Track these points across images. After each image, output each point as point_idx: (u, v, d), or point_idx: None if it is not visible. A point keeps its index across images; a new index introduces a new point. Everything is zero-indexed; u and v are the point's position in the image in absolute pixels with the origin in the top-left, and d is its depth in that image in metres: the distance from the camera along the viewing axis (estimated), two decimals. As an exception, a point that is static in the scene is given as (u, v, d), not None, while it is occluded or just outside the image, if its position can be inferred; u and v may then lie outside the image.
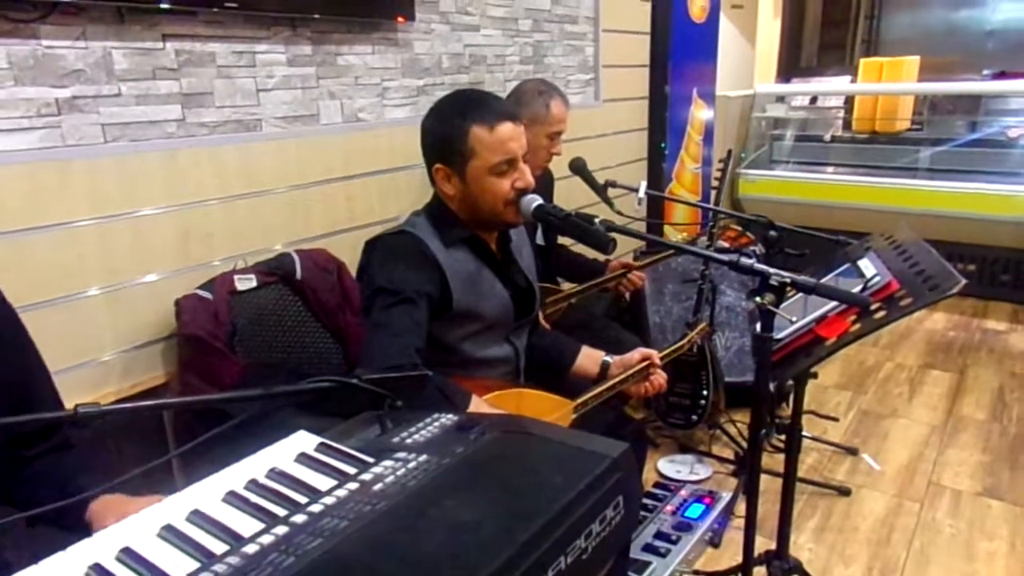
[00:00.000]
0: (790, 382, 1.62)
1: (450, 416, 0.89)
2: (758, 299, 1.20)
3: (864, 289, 1.37)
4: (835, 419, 2.88)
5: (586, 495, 0.70)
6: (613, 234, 1.36)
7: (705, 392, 2.56)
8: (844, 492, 2.40)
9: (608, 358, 1.69)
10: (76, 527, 0.96)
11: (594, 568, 0.70)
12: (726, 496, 2.31)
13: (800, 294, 1.39)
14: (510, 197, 1.43)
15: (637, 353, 1.64)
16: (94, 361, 1.64)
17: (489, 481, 0.74)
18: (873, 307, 1.28)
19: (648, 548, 2.04)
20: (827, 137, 4.92)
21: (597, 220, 1.34)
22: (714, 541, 2.15)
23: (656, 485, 2.42)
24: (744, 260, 1.22)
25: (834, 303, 1.35)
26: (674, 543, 2.06)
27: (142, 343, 1.72)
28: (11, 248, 1.47)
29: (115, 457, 1.59)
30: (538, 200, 1.42)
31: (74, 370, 1.60)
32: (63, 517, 0.92)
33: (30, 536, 1.05)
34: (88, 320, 1.62)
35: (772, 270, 1.19)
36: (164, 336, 1.76)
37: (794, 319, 1.32)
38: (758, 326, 1.27)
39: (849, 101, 5.00)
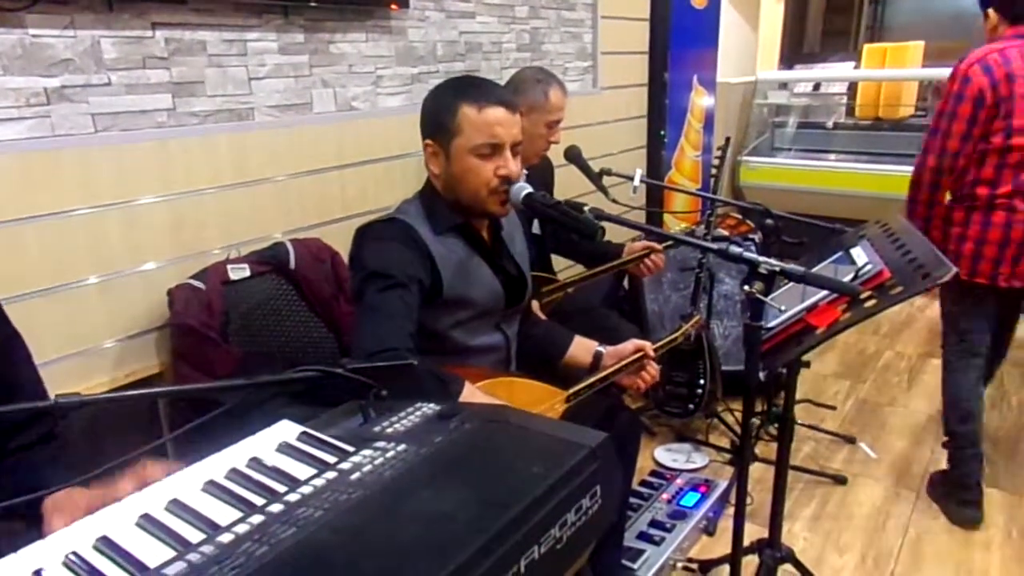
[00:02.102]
0: (782, 370, 1.61)
1: (432, 406, 0.89)
2: (747, 287, 1.19)
3: (856, 277, 1.36)
4: (832, 408, 2.88)
5: (562, 484, 0.70)
6: (604, 223, 1.36)
7: (702, 381, 2.56)
8: (840, 481, 2.40)
9: (601, 348, 1.69)
10: (35, 522, 0.95)
11: (570, 557, 0.70)
12: (722, 484, 2.32)
13: (796, 283, 1.38)
14: (492, 184, 1.42)
15: (631, 344, 1.64)
16: (88, 350, 1.65)
17: (465, 470, 0.73)
18: (864, 295, 1.27)
19: (643, 536, 2.05)
20: (830, 124, 4.88)
21: (586, 208, 1.34)
22: (709, 529, 2.16)
23: (652, 473, 2.43)
24: (733, 248, 1.21)
25: (825, 291, 1.34)
26: (669, 531, 2.07)
27: (136, 332, 1.73)
28: (3, 238, 1.47)
29: (109, 444, 1.59)
30: (527, 188, 1.42)
31: (68, 359, 1.61)
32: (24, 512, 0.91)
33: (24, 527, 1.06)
34: (81, 310, 1.62)
35: (761, 258, 1.19)
36: (158, 325, 1.76)
37: (783, 308, 1.31)
38: (749, 315, 1.27)
39: (852, 87, 4.96)
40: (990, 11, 2.17)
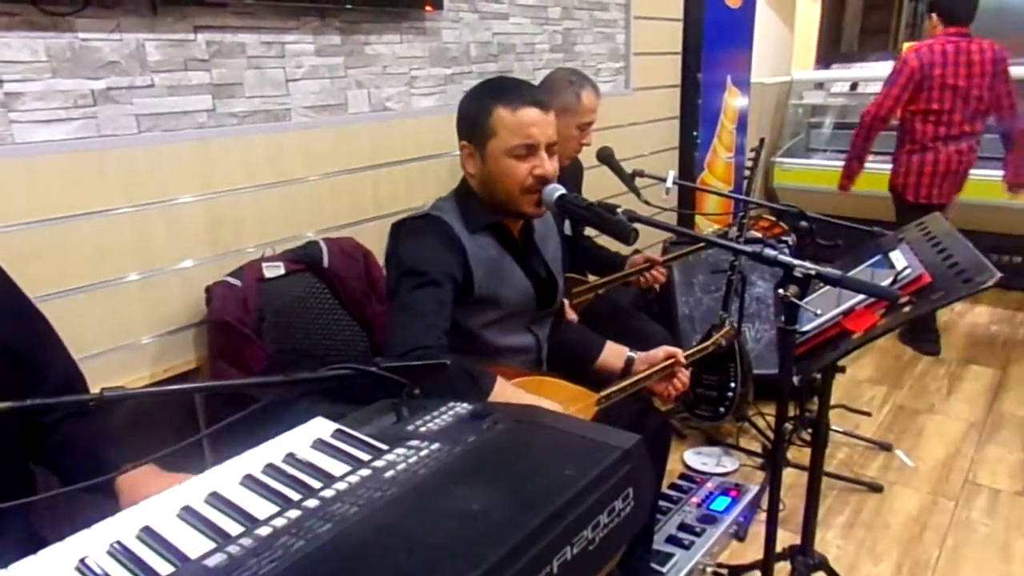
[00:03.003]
0: (816, 375, 1.59)
1: (464, 405, 0.89)
2: (781, 291, 1.18)
3: (895, 281, 1.33)
4: (867, 414, 2.83)
5: (594, 486, 0.70)
6: (637, 225, 1.35)
7: (733, 384, 2.53)
8: (876, 488, 2.35)
9: (633, 354, 1.68)
10: (107, 494, 1.00)
11: (602, 559, 0.70)
12: (753, 489, 2.29)
13: (833, 287, 1.36)
14: (526, 184, 1.43)
15: (662, 351, 1.64)
16: (129, 345, 1.69)
17: (498, 470, 0.74)
18: (902, 300, 1.24)
19: (672, 540, 2.04)
20: (867, 125, 4.77)
21: (619, 210, 1.33)
22: (739, 534, 2.13)
23: (682, 477, 2.41)
24: (768, 251, 1.19)
25: (862, 296, 1.32)
26: (698, 535, 2.05)
27: (175, 328, 1.77)
28: (50, 235, 1.52)
29: (148, 437, 1.63)
30: (560, 190, 1.42)
31: (109, 354, 1.65)
32: (94, 486, 0.95)
33: (67, 506, 1.10)
34: (123, 305, 1.67)
35: (796, 262, 1.17)
36: (196, 322, 1.80)
37: (819, 312, 1.29)
38: (783, 318, 1.25)
39: (891, 87, 4.85)
40: (933, 15, 3.18)
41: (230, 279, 1.76)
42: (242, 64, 1.80)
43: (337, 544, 0.62)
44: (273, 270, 1.82)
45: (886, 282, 1.34)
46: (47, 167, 1.50)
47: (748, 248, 1.24)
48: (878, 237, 1.74)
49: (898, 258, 1.40)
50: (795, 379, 1.29)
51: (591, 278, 2.38)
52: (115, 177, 1.60)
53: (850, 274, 1.33)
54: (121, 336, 1.67)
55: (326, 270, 1.91)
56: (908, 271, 1.33)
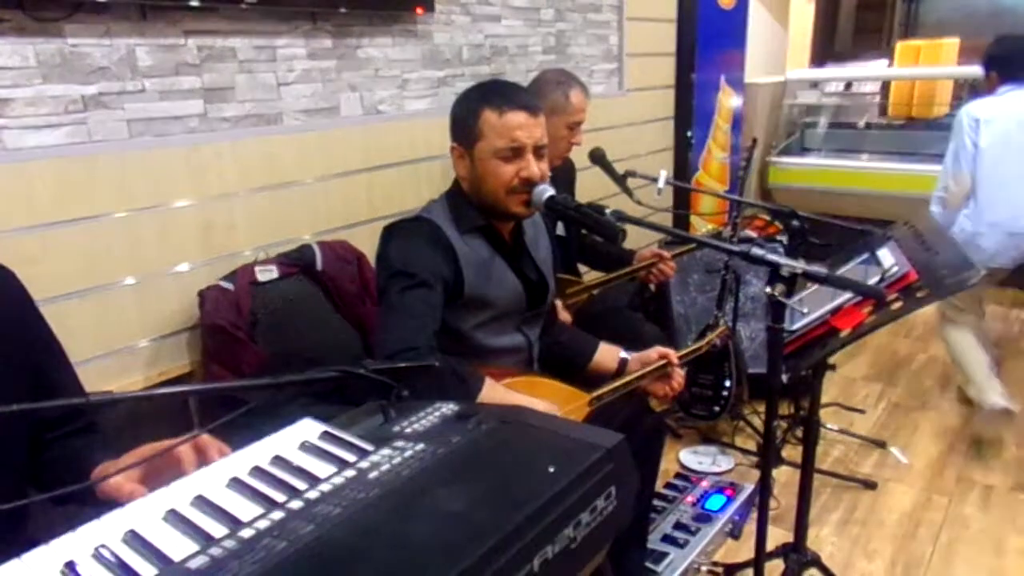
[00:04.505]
0: (807, 372, 1.59)
1: (451, 406, 0.90)
2: (768, 290, 1.18)
3: (882, 279, 1.34)
4: (862, 411, 2.83)
5: (576, 485, 0.70)
6: (627, 225, 1.36)
7: (728, 383, 2.54)
8: (870, 485, 2.36)
9: (627, 355, 1.69)
10: (97, 503, 1.00)
11: (583, 558, 0.70)
12: (748, 488, 2.29)
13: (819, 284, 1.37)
14: (512, 185, 1.45)
15: (655, 352, 1.64)
16: (123, 349, 1.69)
17: (481, 470, 0.74)
18: (890, 298, 1.25)
19: (667, 539, 2.04)
20: (861, 123, 4.79)
21: (608, 211, 1.34)
22: (734, 533, 2.14)
23: (677, 476, 2.41)
24: (755, 250, 1.20)
25: (851, 294, 1.32)
26: (693, 534, 2.06)
27: (168, 332, 1.77)
28: (42, 241, 1.52)
29: (143, 442, 1.63)
30: (550, 191, 1.43)
31: (103, 359, 1.66)
32: (87, 496, 0.95)
33: (65, 516, 1.10)
34: (116, 310, 1.67)
35: (782, 260, 1.18)
36: (189, 326, 1.80)
37: (806, 310, 1.30)
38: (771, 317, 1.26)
39: (885, 86, 4.87)
40: None
41: (223, 283, 1.77)
42: (233, 68, 1.80)
43: (319, 545, 0.63)
44: (266, 273, 1.82)
45: (874, 280, 1.35)
46: (38, 173, 1.50)
47: (735, 247, 1.24)
48: (867, 235, 1.75)
49: (886, 256, 1.41)
50: (784, 377, 1.30)
51: (593, 275, 2.38)
52: (107, 182, 1.61)
53: (839, 272, 1.34)
54: (115, 341, 1.68)
55: (320, 273, 1.91)
56: (895, 269, 1.34)
